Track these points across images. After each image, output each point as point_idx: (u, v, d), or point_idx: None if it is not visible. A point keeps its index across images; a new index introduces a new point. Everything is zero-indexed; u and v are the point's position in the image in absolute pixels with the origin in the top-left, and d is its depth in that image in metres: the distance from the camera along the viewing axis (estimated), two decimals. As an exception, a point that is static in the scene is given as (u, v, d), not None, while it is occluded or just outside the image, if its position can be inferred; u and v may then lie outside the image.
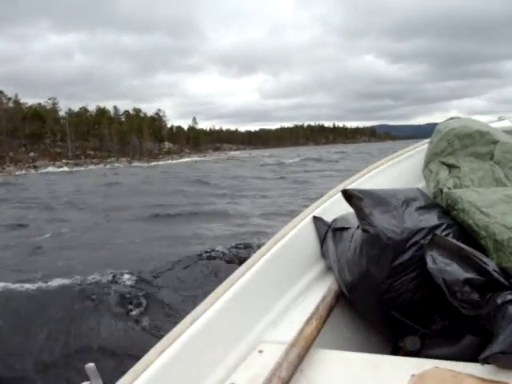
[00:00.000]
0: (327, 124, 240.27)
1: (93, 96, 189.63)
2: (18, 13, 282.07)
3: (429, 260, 1.18)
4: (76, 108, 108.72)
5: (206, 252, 6.62)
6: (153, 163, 76.42)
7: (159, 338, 1.07)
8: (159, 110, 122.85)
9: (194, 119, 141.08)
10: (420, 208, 1.39)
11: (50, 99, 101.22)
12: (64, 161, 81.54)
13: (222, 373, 1.09)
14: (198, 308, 1.15)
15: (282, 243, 1.47)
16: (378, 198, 1.36)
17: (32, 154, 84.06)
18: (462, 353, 1.11)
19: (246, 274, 1.30)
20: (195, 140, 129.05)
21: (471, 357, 1.04)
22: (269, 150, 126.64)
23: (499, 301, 1.04)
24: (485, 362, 0.98)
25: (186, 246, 7.73)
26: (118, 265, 6.31)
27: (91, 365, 0.81)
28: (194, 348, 1.06)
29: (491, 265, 1.13)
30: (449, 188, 1.66)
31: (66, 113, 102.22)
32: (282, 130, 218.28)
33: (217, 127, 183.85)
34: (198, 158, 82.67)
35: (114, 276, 5.74)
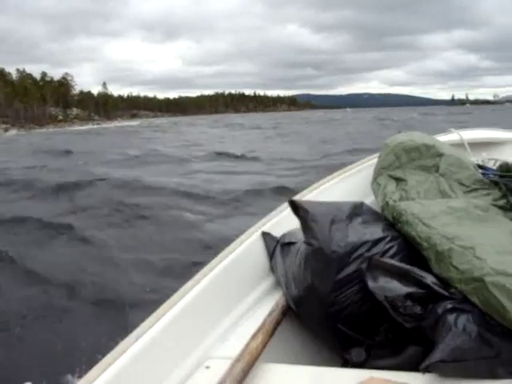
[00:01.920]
0: (248, 92, 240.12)
1: (9, 59, 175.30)
2: None
3: (369, 280, 1.21)
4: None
5: None
6: (37, 130, 71.50)
7: (103, 354, 1.05)
8: (66, 73, 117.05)
9: (104, 84, 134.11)
10: (365, 222, 1.41)
11: None
12: None
13: None
14: (144, 324, 1.14)
15: (230, 258, 1.47)
16: (324, 211, 1.38)
17: None
18: (405, 363, 1.13)
19: (193, 288, 1.29)
20: (105, 106, 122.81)
21: (415, 366, 1.05)
22: (185, 118, 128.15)
23: (440, 311, 1.07)
24: (426, 370, 1.00)
25: None
26: None
27: None
28: (139, 364, 1.05)
29: (429, 278, 1.16)
30: (394, 201, 1.69)
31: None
32: (202, 97, 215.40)
33: (137, 94, 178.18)
34: (86, 127, 75.89)
35: None
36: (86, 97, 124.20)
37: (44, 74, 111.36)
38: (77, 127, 77.23)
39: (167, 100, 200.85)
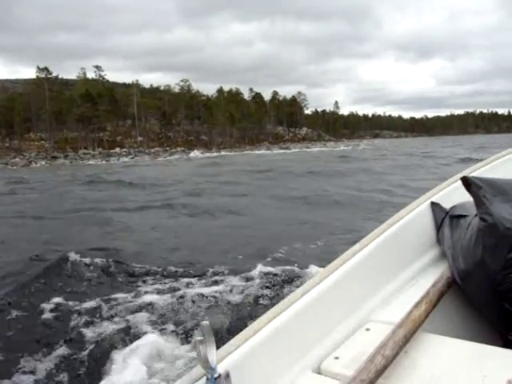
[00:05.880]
0: (501, 111, 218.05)
1: (268, 81, 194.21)
2: (204, 5, 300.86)
3: None
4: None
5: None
6: (232, 153, 66.50)
7: (270, 307, 1.11)
8: (299, 93, 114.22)
9: (336, 103, 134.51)
10: None
11: (182, 81, 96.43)
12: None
13: (328, 346, 1.14)
14: (310, 281, 1.19)
15: (397, 226, 1.47)
16: (499, 188, 1.35)
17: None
18: None
19: (359, 252, 1.32)
20: (334, 126, 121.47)
21: None
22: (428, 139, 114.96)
23: None
24: None
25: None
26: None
27: (206, 323, 0.86)
28: (303, 319, 1.11)
29: None
30: None
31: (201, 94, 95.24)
32: (451, 117, 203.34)
33: (383, 113, 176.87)
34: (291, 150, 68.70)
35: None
36: (315, 116, 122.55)
37: (275, 93, 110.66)
38: (278, 151, 70.42)
39: (412, 120, 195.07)
